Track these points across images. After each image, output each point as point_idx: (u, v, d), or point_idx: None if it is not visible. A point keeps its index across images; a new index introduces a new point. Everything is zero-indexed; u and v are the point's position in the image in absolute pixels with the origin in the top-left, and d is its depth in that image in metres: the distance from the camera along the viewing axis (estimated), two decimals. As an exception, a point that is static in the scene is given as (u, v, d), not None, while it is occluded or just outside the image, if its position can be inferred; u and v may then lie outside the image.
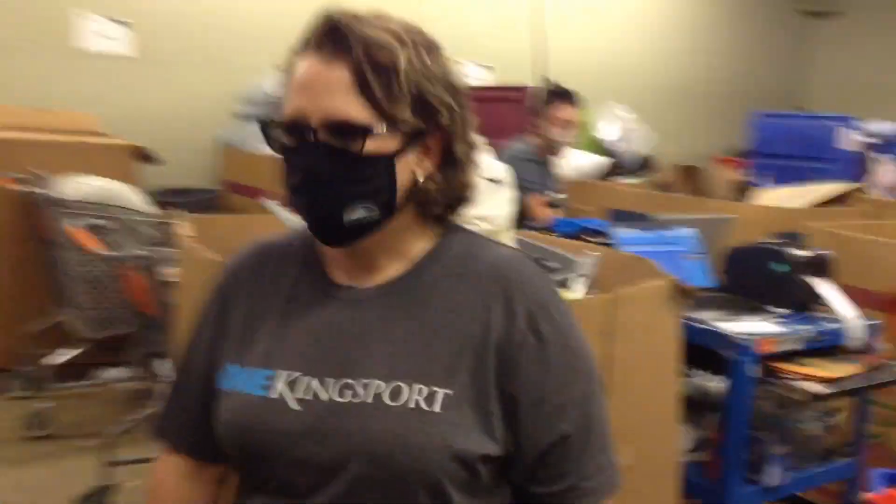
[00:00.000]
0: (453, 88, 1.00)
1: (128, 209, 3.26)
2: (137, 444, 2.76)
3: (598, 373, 1.06)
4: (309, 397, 0.97)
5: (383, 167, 0.95)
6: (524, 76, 5.61)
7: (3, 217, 3.65)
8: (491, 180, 1.91)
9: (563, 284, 2.00)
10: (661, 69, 7.34)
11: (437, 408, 0.94)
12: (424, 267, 1.02)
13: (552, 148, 3.90)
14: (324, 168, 0.95)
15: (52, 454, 3.19)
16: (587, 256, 2.05)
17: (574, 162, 4.84)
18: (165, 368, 2.40)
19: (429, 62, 0.97)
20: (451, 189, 1.02)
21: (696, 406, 2.19)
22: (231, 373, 1.04)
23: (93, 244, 2.87)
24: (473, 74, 5.93)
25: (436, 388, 0.94)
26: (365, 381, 0.95)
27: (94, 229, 3.20)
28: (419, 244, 1.03)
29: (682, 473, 2.09)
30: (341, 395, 0.96)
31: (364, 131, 0.93)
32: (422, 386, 0.94)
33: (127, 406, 3.07)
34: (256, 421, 0.99)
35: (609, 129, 5.85)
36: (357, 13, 0.97)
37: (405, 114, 0.95)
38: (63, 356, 3.39)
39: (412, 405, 0.93)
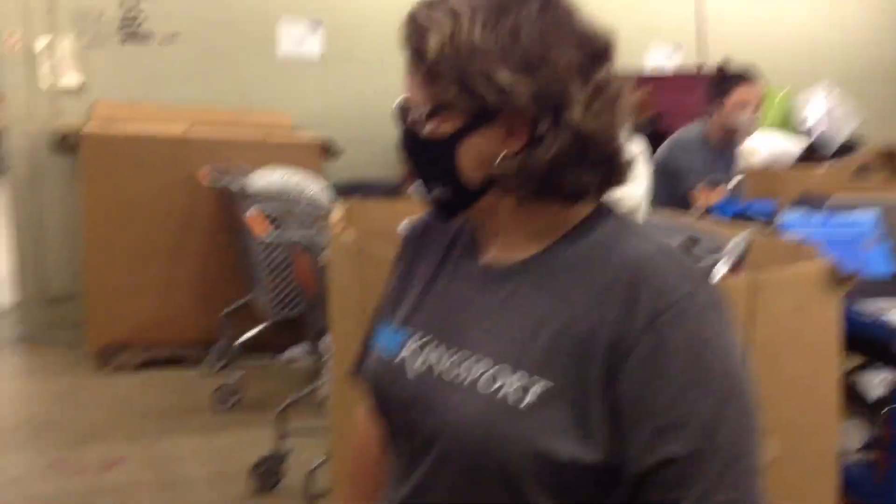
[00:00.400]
0: (532, 64, 0.90)
1: (302, 198, 3.48)
2: (306, 416, 2.98)
3: (748, 398, 0.90)
4: (424, 368, 1.00)
5: (442, 149, 0.95)
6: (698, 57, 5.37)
7: (202, 208, 4.03)
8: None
9: (710, 268, 1.92)
10: (870, 46, 6.75)
11: (529, 400, 0.90)
12: (555, 251, 0.98)
13: (730, 133, 3.71)
14: (405, 150, 1.00)
15: (239, 423, 3.49)
16: (733, 237, 1.95)
17: (765, 146, 4.57)
18: (327, 346, 2.54)
19: (489, 39, 0.90)
20: (534, 169, 0.93)
21: (865, 402, 2.03)
22: (378, 331, 1.11)
23: (262, 229, 3.10)
24: (659, 57, 5.75)
25: (534, 378, 0.90)
26: (473, 358, 0.96)
27: (268, 216, 3.45)
28: (560, 224, 0.99)
29: (845, 473, 1.94)
30: (450, 370, 0.97)
31: (419, 114, 0.95)
32: (522, 372, 0.91)
33: (303, 382, 3.28)
34: (380, 381, 1.05)
35: (809, 109, 5.47)
36: None
37: (449, 95, 0.92)
38: (249, 334, 3.69)
39: (503, 394, 0.91)
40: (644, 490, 0.88)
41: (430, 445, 0.96)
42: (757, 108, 3.69)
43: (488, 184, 0.96)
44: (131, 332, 4.03)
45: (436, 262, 1.08)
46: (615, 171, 0.98)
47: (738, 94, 3.60)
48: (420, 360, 1.01)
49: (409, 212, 2.29)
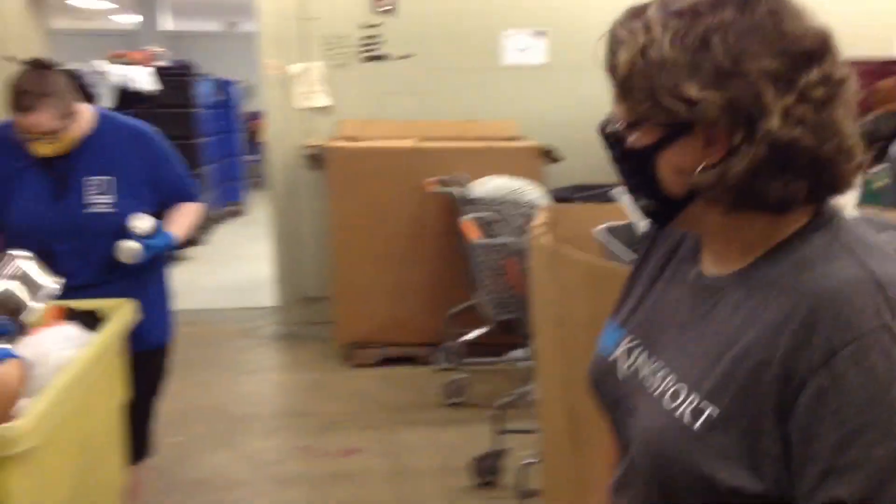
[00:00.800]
0: (722, 76, 0.86)
1: (520, 204, 3.59)
2: (525, 416, 3.08)
3: None
4: (630, 371, 1.04)
5: (643, 161, 0.96)
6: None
7: (430, 215, 4.28)
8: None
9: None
10: None
11: (701, 423, 0.89)
12: (758, 267, 0.94)
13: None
14: (612, 161, 1.02)
15: (464, 419, 3.68)
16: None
17: None
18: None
19: (678, 51, 0.88)
20: (732, 180, 0.90)
21: None
22: (606, 327, 1.15)
23: (473, 234, 3.24)
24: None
25: (707, 403, 0.90)
26: (664, 371, 0.98)
27: (485, 221, 3.60)
28: (769, 237, 0.94)
29: None
30: (647, 378, 1.00)
31: (620, 127, 0.97)
32: (698, 393, 0.91)
33: (524, 382, 3.39)
34: (597, 377, 1.11)
35: None
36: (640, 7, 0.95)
37: (643, 109, 0.92)
38: (472, 335, 3.88)
39: (680, 413, 0.92)
40: None
41: (628, 447, 1.02)
42: None
43: (692, 194, 0.94)
44: (371, 331, 4.37)
45: (660, 265, 1.10)
46: (832, 178, 0.90)
47: None
48: (628, 362, 1.05)
49: (614, 216, 2.33)
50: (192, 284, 6.32)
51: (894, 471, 0.80)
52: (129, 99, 6.95)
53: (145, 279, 2.44)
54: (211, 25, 16.10)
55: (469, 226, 3.29)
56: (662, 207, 0.97)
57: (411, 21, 5.02)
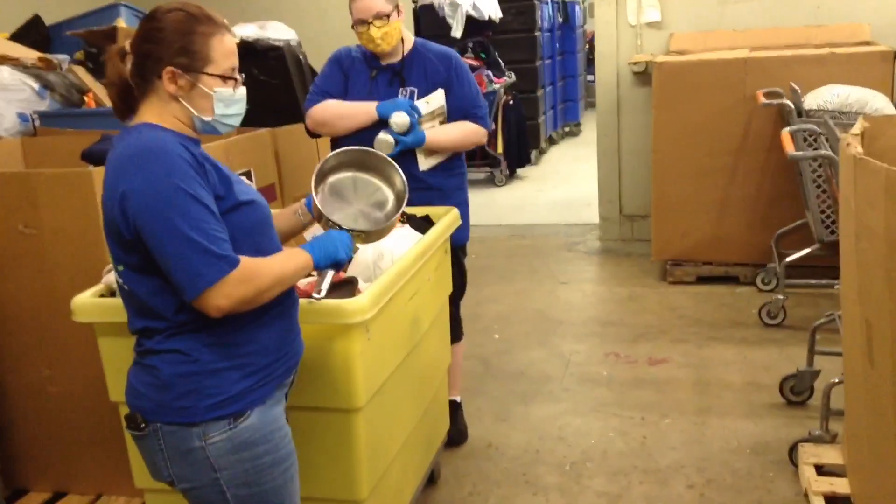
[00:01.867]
0: None
1: (862, 114, 3.28)
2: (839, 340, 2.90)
3: None
4: None
5: None
6: None
7: (759, 129, 4.06)
8: None
9: None
10: None
11: None
12: None
13: None
14: None
15: (778, 340, 3.55)
16: None
17: None
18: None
19: None
20: None
21: None
22: None
23: (789, 146, 3.04)
24: None
25: None
26: None
27: (813, 134, 3.34)
28: None
29: None
30: None
31: None
32: None
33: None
34: None
35: None
36: None
37: None
38: (797, 255, 3.67)
39: None
40: None
41: None
42: None
43: None
44: (690, 248, 4.32)
45: None
46: None
47: None
48: None
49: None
50: (525, 200, 6.66)
51: None
52: (477, 25, 7.36)
53: (450, 188, 2.75)
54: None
55: (787, 137, 3.10)
56: None
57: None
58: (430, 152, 2.68)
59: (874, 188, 1.82)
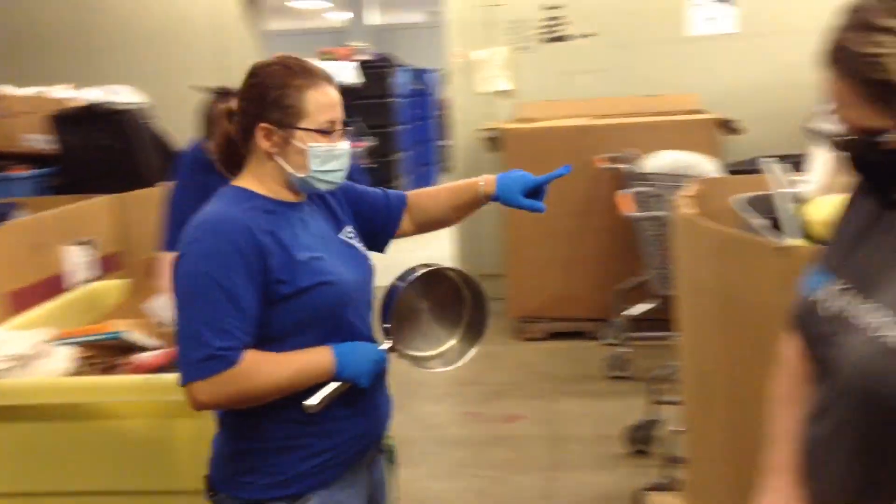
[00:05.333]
0: None
1: (690, 178, 3.53)
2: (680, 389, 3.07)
3: None
4: (836, 311, 1.10)
5: None
6: None
7: (600, 192, 4.29)
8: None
9: None
10: None
11: None
12: None
13: None
14: (852, 159, 1.08)
15: (624, 391, 3.71)
16: None
17: None
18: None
19: None
20: None
21: None
22: (810, 271, 1.20)
23: (627, 207, 3.24)
24: None
25: None
26: (884, 309, 1.03)
27: (648, 196, 3.58)
28: None
29: None
30: (862, 316, 1.06)
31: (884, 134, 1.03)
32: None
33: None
34: (799, 316, 1.17)
35: None
36: None
37: None
38: (639, 310, 3.88)
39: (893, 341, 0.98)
40: None
41: (828, 378, 1.09)
42: None
43: None
44: (541, 305, 4.48)
45: (874, 216, 1.12)
46: None
47: None
48: (836, 303, 1.10)
49: (756, 185, 2.30)
50: (381, 260, 6.69)
51: None
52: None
53: None
54: (415, 17, 16.76)
55: (624, 199, 3.30)
56: None
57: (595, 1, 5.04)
58: None
59: (706, 247, 1.97)
